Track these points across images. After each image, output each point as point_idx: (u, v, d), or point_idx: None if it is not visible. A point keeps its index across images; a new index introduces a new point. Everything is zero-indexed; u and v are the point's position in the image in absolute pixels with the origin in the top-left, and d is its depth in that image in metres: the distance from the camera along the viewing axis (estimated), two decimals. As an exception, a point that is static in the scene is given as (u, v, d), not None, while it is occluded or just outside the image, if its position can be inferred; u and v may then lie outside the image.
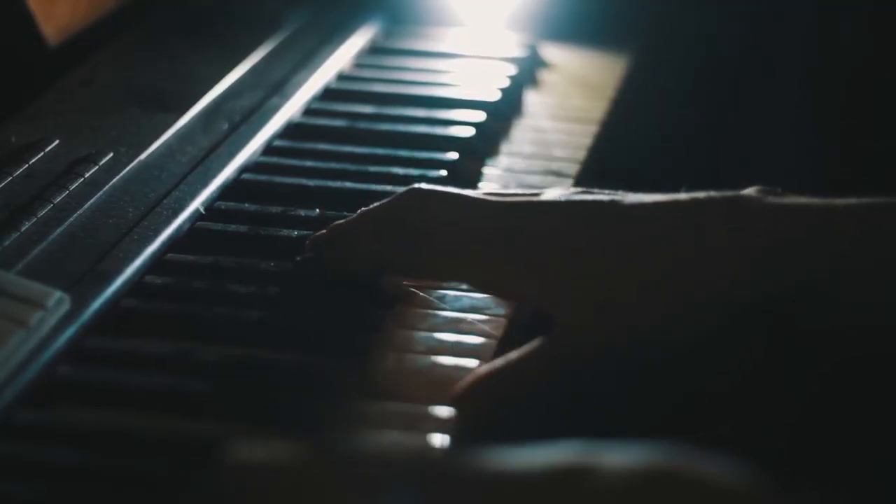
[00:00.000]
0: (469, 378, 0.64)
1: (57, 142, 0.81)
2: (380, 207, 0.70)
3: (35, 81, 0.88)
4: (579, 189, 0.68)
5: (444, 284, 0.72)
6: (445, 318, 0.70)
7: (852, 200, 0.65)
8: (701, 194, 0.65)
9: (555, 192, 0.68)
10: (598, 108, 0.99)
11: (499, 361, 0.65)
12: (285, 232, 0.76)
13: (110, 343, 0.66)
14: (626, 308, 0.63)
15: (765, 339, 0.65)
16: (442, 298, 0.72)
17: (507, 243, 0.66)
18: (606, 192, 0.67)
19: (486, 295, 0.72)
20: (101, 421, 0.60)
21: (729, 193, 0.65)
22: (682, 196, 0.66)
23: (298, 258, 0.71)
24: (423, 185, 0.70)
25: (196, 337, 0.66)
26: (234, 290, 0.70)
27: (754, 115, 1.22)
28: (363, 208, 0.71)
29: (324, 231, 0.71)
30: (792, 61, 1.22)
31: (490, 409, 0.63)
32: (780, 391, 0.72)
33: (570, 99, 1.00)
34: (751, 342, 0.65)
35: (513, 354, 0.65)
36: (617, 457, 0.45)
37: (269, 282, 0.71)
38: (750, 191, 0.65)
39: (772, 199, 0.64)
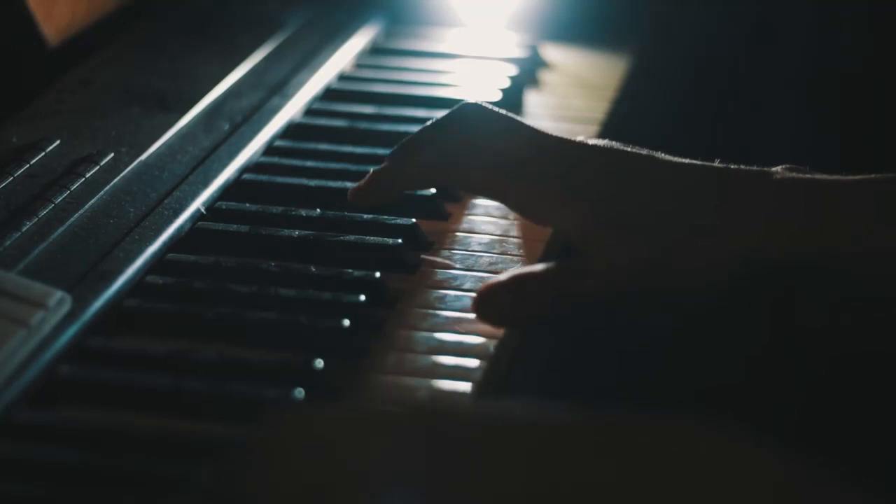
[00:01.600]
0: (492, 281, 0.69)
1: (58, 142, 0.81)
2: (436, 120, 0.74)
3: (35, 81, 0.88)
4: (619, 143, 0.73)
5: (450, 283, 0.73)
6: (446, 318, 0.70)
7: (866, 177, 0.69)
8: (732, 165, 0.70)
9: (602, 141, 0.73)
10: (598, 109, 0.99)
11: (520, 270, 0.69)
12: (286, 232, 0.76)
13: (111, 343, 0.66)
14: (647, 245, 0.68)
15: (768, 333, 0.67)
16: (442, 299, 0.72)
17: (552, 173, 0.70)
18: (645, 149, 0.72)
19: None
20: (101, 421, 0.60)
21: (755, 168, 0.70)
22: (714, 164, 0.71)
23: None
24: (476, 101, 0.75)
25: (197, 337, 0.66)
26: (234, 290, 0.70)
27: (754, 115, 1.22)
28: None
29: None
30: (792, 61, 1.22)
31: (507, 311, 0.68)
32: (785, 385, 0.73)
33: (571, 99, 1.01)
34: (754, 333, 0.67)
35: (535, 267, 0.69)
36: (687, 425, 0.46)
37: (269, 282, 0.71)
38: (777, 168, 0.70)
39: (794, 175, 0.69)
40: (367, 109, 0.93)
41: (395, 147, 0.75)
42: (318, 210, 0.78)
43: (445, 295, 0.72)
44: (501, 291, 0.69)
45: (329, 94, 0.96)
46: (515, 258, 0.76)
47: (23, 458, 0.58)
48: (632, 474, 0.45)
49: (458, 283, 0.73)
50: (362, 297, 0.70)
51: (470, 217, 0.80)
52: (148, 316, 0.68)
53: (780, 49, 1.21)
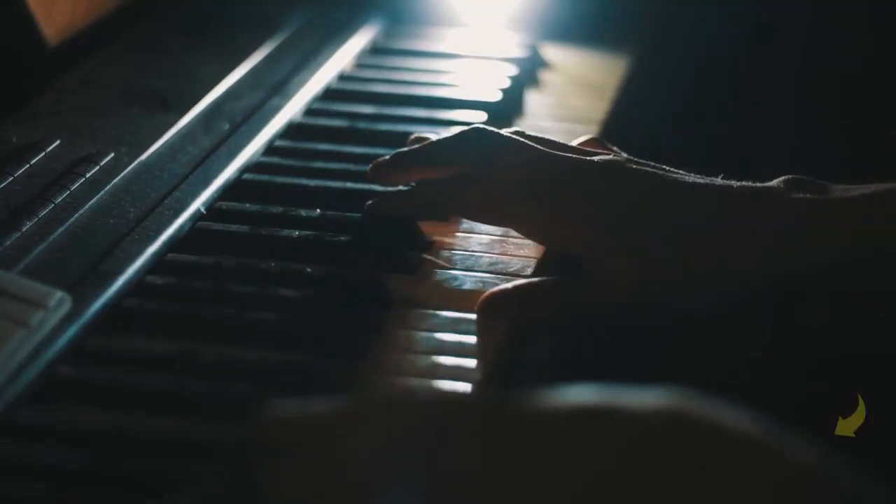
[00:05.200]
0: (497, 289, 0.71)
1: (58, 142, 0.81)
2: (443, 140, 0.77)
3: (35, 81, 0.88)
4: (627, 157, 0.74)
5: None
6: (446, 318, 0.70)
7: (864, 191, 0.70)
8: (734, 183, 0.71)
9: (606, 158, 0.74)
10: (598, 108, 0.99)
11: (526, 281, 0.72)
12: (286, 232, 0.76)
13: (111, 343, 0.66)
14: (650, 264, 0.70)
15: (768, 333, 0.67)
16: (442, 299, 0.72)
17: (560, 197, 0.72)
18: (651, 164, 0.73)
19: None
20: (101, 421, 0.60)
21: (758, 185, 0.71)
22: (718, 181, 0.72)
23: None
24: (483, 125, 0.77)
25: (197, 337, 0.66)
26: (235, 291, 0.70)
27: (754, 115, 1.22)
28: (426, 142, 0.79)
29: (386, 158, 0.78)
30: (792, 61, 1.22)
31: (511, 319, 0.70)
32: (785, 385, 0.73)
33: (571, 99, 1.01)
34: (754, 333, 0.67)
35: (537, 280, 0.72)
36: (637, 398, 0.46)
37: (270, 282, 0.71)
38: (777, 182, 0.71)
39: (793, 195, 0.70)
40: (367, 109, 0.93)
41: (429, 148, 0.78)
42: (318, 210, 0.78)
43: (445, 295, 0.72)
44: (507, 301, 0.70)
45: (329, 93, 0.96)
46: (515, 258, 0.76)
47: (23, 458, 0.58)
48: (633, 467, 0.45)
49: (458, 283, 0.73)
50: (362, 298, 0.70)
51: (470, 217, 0.80)
52: (148, 316, 0.68)
53: (780, 49, 1.21)
